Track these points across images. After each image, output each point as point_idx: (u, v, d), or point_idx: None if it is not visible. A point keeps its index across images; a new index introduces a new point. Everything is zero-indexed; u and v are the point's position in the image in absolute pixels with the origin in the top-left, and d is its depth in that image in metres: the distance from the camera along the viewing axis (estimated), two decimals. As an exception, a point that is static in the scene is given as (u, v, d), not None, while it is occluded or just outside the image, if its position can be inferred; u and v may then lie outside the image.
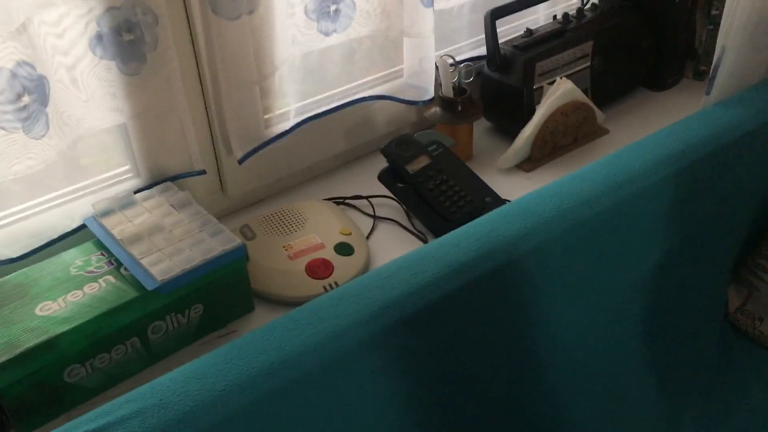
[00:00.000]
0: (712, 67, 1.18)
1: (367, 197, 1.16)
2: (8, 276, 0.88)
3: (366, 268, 1.02)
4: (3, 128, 0.82)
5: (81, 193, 0.99)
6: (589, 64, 1.30)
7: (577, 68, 1.29)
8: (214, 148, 1.09)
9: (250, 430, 0.72)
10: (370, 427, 0.81)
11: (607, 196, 0.98)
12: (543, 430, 0.99)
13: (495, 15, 1.22)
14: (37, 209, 0.96)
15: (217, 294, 0.91)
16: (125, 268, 0.88)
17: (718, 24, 1.39)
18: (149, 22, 0.91)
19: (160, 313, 0.86)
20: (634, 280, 1.04)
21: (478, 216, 1.07)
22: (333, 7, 1.08)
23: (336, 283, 0.97)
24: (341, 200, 1.16)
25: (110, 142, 1.01)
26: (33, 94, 0.83)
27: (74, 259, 0.90)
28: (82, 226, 0.95)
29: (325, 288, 0.97)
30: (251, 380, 0.73)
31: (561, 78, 1.22)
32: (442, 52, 1.26)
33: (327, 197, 1.17)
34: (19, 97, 0.82)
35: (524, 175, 1.22)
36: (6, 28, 0.79)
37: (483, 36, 1.33)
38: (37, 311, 0.82)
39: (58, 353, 0.79)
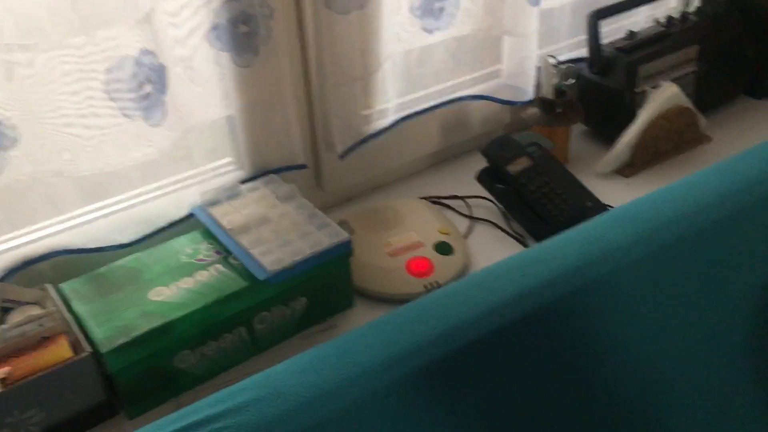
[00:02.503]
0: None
1: (463, 197, 1.15)
2: (120, 261, 0.89)
3: (466, 268, 1.01)
4: (126, 115, 0.84)
5: (188, 182, 1.01)
6: (693, 69, 1.26)
7: (681, 73, 1.25)
8: (314, 143, 1.09)
9: (366, 420, 0.71)
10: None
11: (722, 205, 0.95)
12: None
13: (598, 15, 1.19)
14: (147, 197, 0.98)
15: (320, 287, 0.91)
16: (234, 258, 0.88)
17: (830, 31, 1.34)
18: (265, 15, 0.91)
19: (266, 304, 0.87)
20: (739, 295, 1.00)
21: (580, 220, 1.04)
22: (438, 5, 1.07)
23: (437, 282, 0.96)
24: (437, 199, 1.15)
25: (215, 133, 1.03)
26: (154, 83, 0.85)
27: (184, 246, 0.91)
28: (190, 215, 0.96)
29: (425, 287, 0.96)
30: (365, 375, 0.72)
31: (667, 83, 1.19)
32: (540, 52, 1.24)
33: (422, 196, 1.16)
34: (141, 85, 0.83)
35: (624, 181, 1.19)
36: (132, 16, 0.80)
37: (581, 38, 1.31)
38: (151, 296, 0.83)
39: (171, 338, 0.80)
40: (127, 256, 0.91)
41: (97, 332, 0.78)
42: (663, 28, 1.26)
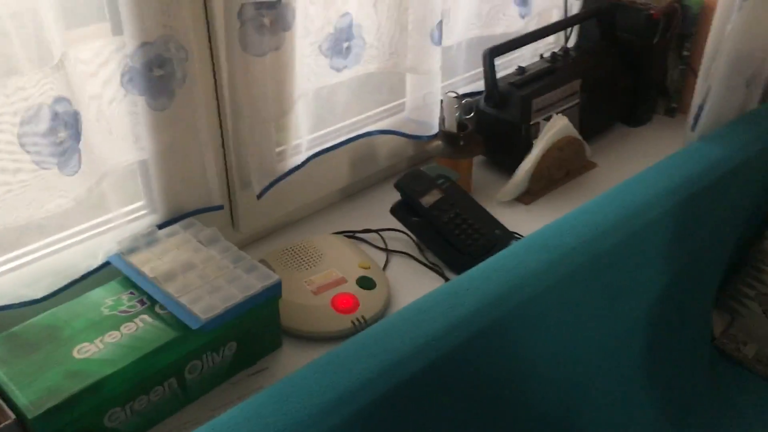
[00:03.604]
0: (697, 104, 1.25)
1: (377, 231, 1.17)
2: (36, 318, 0.84)
3: (389, 301, 1.03)
4: (39, 165, 0.80)
5: (100, 229, 0.97)
6: (578, 101, 1.36)
7: (567, 105, 1.34)
8: (228, 184, 1.08)
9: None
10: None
11: (620, 228, 1.03)
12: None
13: (494, 53, 1.26)
14: (57, 246, 0.93)
15: (250, 331, 0.90)
16: (161, 307, 0.86)
17: (689, 64, 1.50)
18: (181, 58, 0.90)
19: (198, 352, 0.85)
20: (637, 311, 1.09)
21: (492, 249, 1.10)
22: (345, 45, 1.10)
23: (363, 317, 0.98)
24: (352, 234, 1.17)
25: (127, 177, 1.00)
26: (69, 130, 0.81)
27: (104, 298, 0.88)
28: (106, 264, 0.93)
29: (353, 323, 0.97)
30: (311, 418, 0.73)
31: (557, 114, 1.28)
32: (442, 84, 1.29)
33: (336, 231, 1.18)
34: (56, 132, 0.80)
35: (524, 208, 1.26)
36: (47, 63, 0.77)
37: (475, 72, 1.38)
38: (75, 354, 0.79)
39: (101, 397, 0.77)
40: (40, 312, 0.86)
41: (21, 396, 0.74)
42: (549, 64, 1.36)
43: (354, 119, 1.23)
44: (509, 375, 0.91)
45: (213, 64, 0.98)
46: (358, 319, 0.98)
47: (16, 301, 0.86)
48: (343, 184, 1.25)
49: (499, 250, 1.10)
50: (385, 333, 0.83)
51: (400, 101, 1.28)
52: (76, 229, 0.95)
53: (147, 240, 0.94)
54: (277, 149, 1.09)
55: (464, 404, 0.85)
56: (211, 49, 0.97)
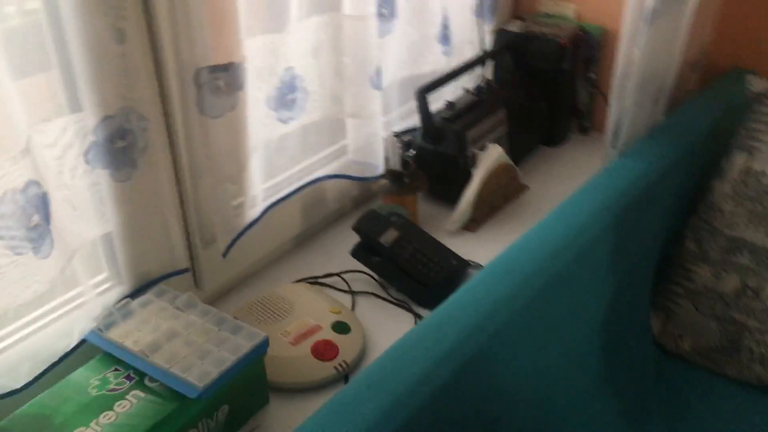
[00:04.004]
0: (614, 122, 1.36)
1: (338, 274, 1.20)
2: (21, 409, 0.81)
3: (366, 343, 1.05)
4: (13, 250, 0.78)
5: (70, 306, 0.94)
6: (505, 129, 1.44)
7: (497, 134, 1.42)
8: (189, 246, 1.08)
9: None
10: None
11: (569, 247, 1.10)
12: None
13: (425, 90, 1.32)
14: (30, 329, 0.90)
15: (240, 391, 0.90)
16: (151, 380, 0.85)
17: (596, 86, 1.62)
18: (142, 128, 0.90)
19: (194, 421, 0.84)
20: (590, 324, 1.17)
21: (454, 278, 1.15)
22: (290, 97, 1.13)
23: (345, 362, 1.00)
24: (314, 280, 1.19)
25: (87, 251, 0.98)
26: (40, 213, 0.80)
27: (88, 378, 0.85)
28: (82, 342, 0.90)
29: (336, 369, 0.99)
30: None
31: (491, 144, 1.35)
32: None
33: (297, 279, 1.19)
34: (29, 216, 0.78)
35: (471, 236, 1.32)
36: (15, 149, 0.76)
37: (404, 108, 1.44)
38: (72, 440, 0.77)
39: (108, 482, 0.75)
40: (21, 402, 0.82)
41: (27, 495, 0.71)
42: (475, 97, 1.43)
43: (301, 166, 1.26)
44: (497, 398, 0.95)
45: (168, 130, 0.98)
46: (340, 364, 1.00)
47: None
48: (297, 232, 1.26)
49: (460, 279, 1.16)
50: (379, 375, 0.86)
51: (342, 143, 1.31)
52: (47, 307, 0.92)
53: (122, 313, 0.92)
54: (234, 202, 1.10)
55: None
56: (165, 115, 0.97)
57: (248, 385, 0.91)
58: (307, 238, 1.30)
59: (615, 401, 1.22)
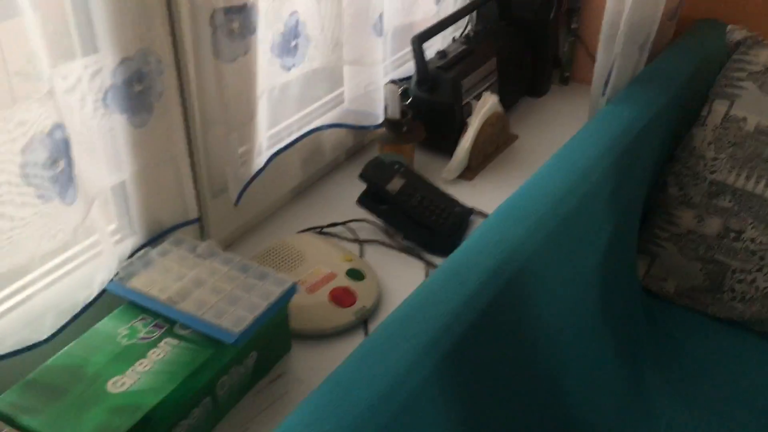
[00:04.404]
0: (606, 71, 1.38)
1: (342, 223, 1.19)
2: (49, 361, 0.79)
3: (381, 289, 1.06)
4: (42, 198, 0.75)
5: (83, 258, 0.91)
6: (496, 78, 1.45)
7: (488, 83, 1.43)
8: (199, 195, 1.05)
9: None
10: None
11: (573, 193, 1.13)
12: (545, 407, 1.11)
13: (421, 39, 1.31)
14: (44, 282, 0.87)
15: (266, 338, 0.90)
16: (182, 327, 0.83)
17: (578, 36, 1.64)
18: (159, 71, 0.87)
19: (227, 367, 0.84)
20: (590, 268, 1.20)
21: (461, 225, 1.16)
22: (293, 43, 1.10)
23: (365, 307, 1.00)
24: (320, 229, 1.18)
25: (101, 201, 0.94)
26: (65, 158, 0.77)
27: (116, 328, 0.83)
28: (102, 293, 0.88)
29: (356, 315, 0.99)
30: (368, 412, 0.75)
31: (486, 93, 1.36)
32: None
33: (301, 229, 1.18)
34: (55, 162, 0.75)
35: (468, 184, 1.33)
36: (41, 89, 0.72)
37: (396, 57, 1.43)
38: (110, 388, 0.76)
39: (152, 428, 0.74)
40: (47, 355, 0.80)
41: (72, 443, 0.70)
42: (465, 46, 1.43)
43: (300, 115, 1.24)
44: (515, 338, 0.98)
45: (179, 74, 0.95)
46: (360, 310, 1.00)
47: (22, 346, 0.80)
48: (297, 182, 1.25)
49: (466, 225, 1.17)
50: (406, 321, 0.86)
51: (338, 92, 1.30)
52: (64, 257, 0.89)
53: (142, 262, 0.90)
54: (241, 149, 1.08)
55: (492, 375, 0.91)
56: (177, 59, 0.93)
57: (274, 332, 0.91)
58: (306, 188, 1.29)
59: (612, 341, 1.26)
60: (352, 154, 1.39)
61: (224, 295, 0.86)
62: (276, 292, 0.87)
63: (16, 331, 0.81)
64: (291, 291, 0.89)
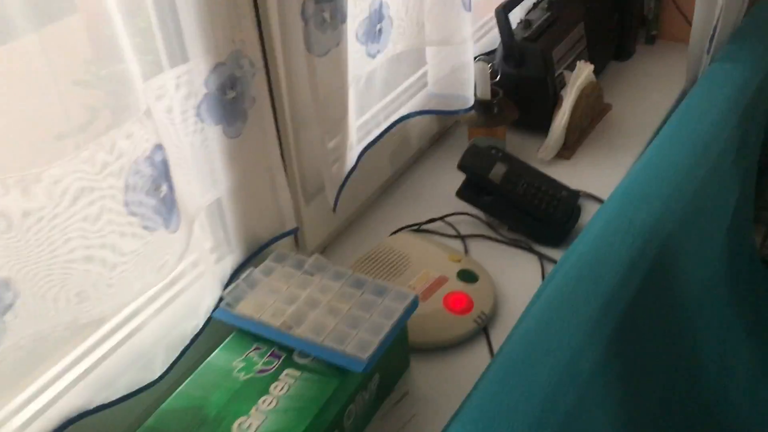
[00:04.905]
0: (711, 27, 1.26)
1: (441, 218, 1.11)
2: (165, 404, 0.72)
3: (497, 290, 0.97)
4: (148, 229, 0.67)
5: (185, 281, 0.84)
6: (584, 45, 1.33)
7: (578, 50, 1.32)
8: (295, 202, 0.98)
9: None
10: None
11: (700, 165, 1.02)
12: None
13: (507, 8, 1.21)
14: (145, 315, 0.80)
15: (388, 358, 0.82)
16: (300, 355, 0.76)
17: (665, -8, 1.50)
18: (252, 74, 0.79)
19: (353, 395, 0.76)
20: (719, 243, 1.10)
21: (572, 211, 1.06)
22: (378, 27, 1.01)
23: (483, 313, 0.92)
24: (417, 227, 1.09)
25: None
26: (167, 181, 0.69)
27: (230, 361, 0.76)
28: (208, 321, 0.81)
29: (476, 322, 0.91)
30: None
31: (581, 62, 1.24)
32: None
33: (396, 229, 1.10)
34: (158, 187, 0.68)
35: (567, 163, 1.23)
36: (139, 109, 0.64)
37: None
38: (236, 431, 0.69)
39: (288, 473, 0.67)
40: (157, 393, 0.74)
41: (209, 499, 0.63)
42: (549, 13, 1.31)
43: (383, 103, 1.14)
44: (666, 329, 0.89)
45: (268, 75, 0.86)
46: (479, 316, 0.92)
47: (135, 387, 0.73)
48: (386, 177, 1.17)
49: (576, 211, 1.07)
50: (543, 334, 0.78)
51: (420, 73, 1.20)
52: (154, 290, 0.82)
53: (247, 284, 0.83)
54: (330, 147, 0.99)
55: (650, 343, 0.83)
56: (265, 58, 0.85)
57: (394, 350, 0.83)
58: (392, 183, 1.21)
59: (741, 321, 1.16)
60: (436, 140, 1.30)
61: (342, 317, 0.78)
62: (399, 308, 0.79)
63: (125, 370, 0.75)
64: (414, 306, 0.81)
